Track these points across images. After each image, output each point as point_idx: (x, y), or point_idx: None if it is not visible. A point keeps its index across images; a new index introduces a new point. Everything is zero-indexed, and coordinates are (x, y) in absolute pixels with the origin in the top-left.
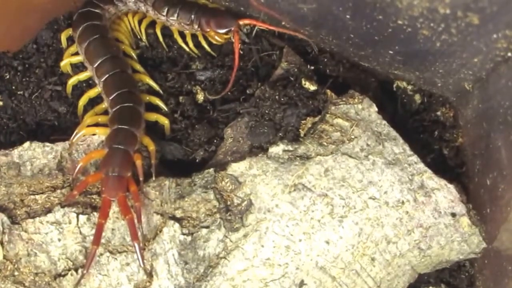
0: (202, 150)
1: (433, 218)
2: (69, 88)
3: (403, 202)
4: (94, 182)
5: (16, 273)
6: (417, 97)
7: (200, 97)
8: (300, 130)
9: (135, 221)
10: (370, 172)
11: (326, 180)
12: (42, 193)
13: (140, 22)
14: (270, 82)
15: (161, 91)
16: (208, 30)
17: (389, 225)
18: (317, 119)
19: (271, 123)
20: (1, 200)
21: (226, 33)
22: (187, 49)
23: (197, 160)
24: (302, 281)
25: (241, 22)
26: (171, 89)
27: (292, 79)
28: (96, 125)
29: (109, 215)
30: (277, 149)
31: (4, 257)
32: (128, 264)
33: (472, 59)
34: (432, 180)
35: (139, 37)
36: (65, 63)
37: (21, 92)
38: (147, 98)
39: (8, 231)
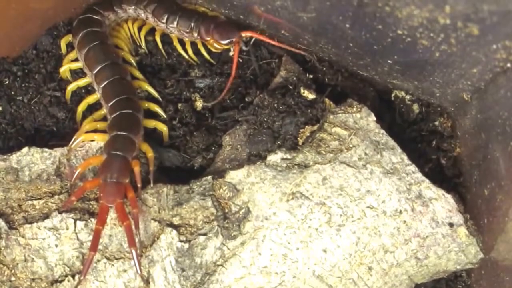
0: (200, 158)
1: (430, 228)
2: (68, 94)
3: (400, 212)
4: (92, 188)
5: (12, 278)
6: (415, 107)
7: (199, 104)
8: (298, 138)
9: (133, 227)
10: (368, 181)
11: (324, 188)
12: (40, 198)
13: (139, 29)
14: (268, 90)
15: (160, 98)
16: (208, 38)
17: (386, 234)
18: (315, 127)
19: (270, 131)
20: None
21: (227, 44)
22: (186, 56)
23: (195, 167)
24: None
25: (243, 34)
26: (170, 96)
27: (290, 87)
28: (95, 131)
29: (107, 222)
30: (275, 157)
31: (1, 262)
32: (125, 270)
33: (471, 69)
34: (429, 190)
35: (138, 44)
36: (65, 69)
37: (20, 98)
38: (146, 105)
39: (5, 236)
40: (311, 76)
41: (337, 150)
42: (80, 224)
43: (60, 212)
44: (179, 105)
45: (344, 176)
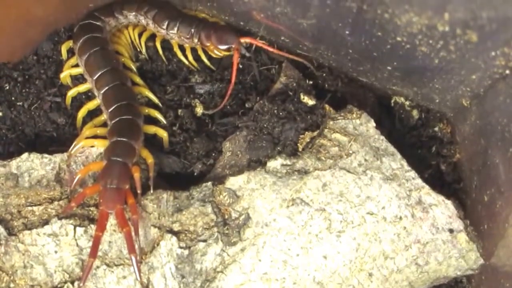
0: (200, 163)
1: (430, 234)
2: (68, 100)
3: (400, 218)
4: (92, 194)
5: (11, 285)
6: (415, 113)
7: (199, 110)
8: (298, 144)
9: (132, 234)
10: (368, 187)
11: (324, 194)
12: (39, 204)
13: (140, 35)
14: (268, 96)
15: (160, 104)
16: (208, 44)
17: (386, 240)
18: (315, 133)
19: (270, 137)
20: None
21: (227, 50)
22: (186, 62)
23: (195, 173)
24: None
25: (242, 40)
26: (170, 102)
27: (290, 93)
28: (95, 137)
29: (106, 228)
30: (275, 163)
31: (0, 268)
32: (124, 277)
33: (470, 76)
34: (429, 196)
35: (139, 50)
36: (65, 74)
37: (21, 103)
38: (146, 110)
39: (5, 242)
40: (311, 82)
41: (337, 156)
42: (79, 230)
43: (59, 218)
44: (179, 111)
45: (344, 182)
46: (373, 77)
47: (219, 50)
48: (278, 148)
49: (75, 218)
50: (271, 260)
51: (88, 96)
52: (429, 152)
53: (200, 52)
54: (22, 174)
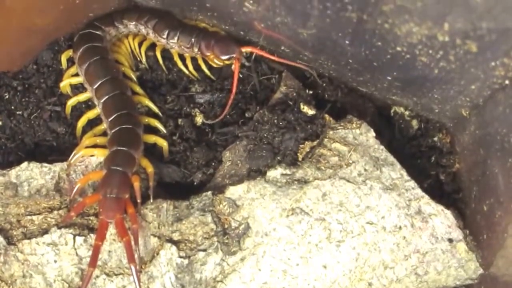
0: (200, 173)
1: (430, 243)
2: (68, 109)
3: (400, 227)
4: (91, 204)
5: None
6: (414, 123)
7: (199, 119)
8: (298, 154)
9: (132, 243)
10: (367, 197)
11: (323, 204)
12: (39, 213)
13: (140, 45)
14: (268, 106)
15: (160, 113)
16: (208, 54)
17: (386, 250)
18: (315, 143)
19: (270, 147)
20: None
21: (227, 59)
22: (186, 72)
23: (195, 183)
24: None
25: (243, 50)
26: (170, 112)
27: (290, 103)
28: (95, 146)
29: (106, 237)
30: (275, 173)
31: None
32: (124, 286)
33: (470, 86)
34: (429, 206)
35: (139, 59)
36: (65, 84)
37: (20, 112)
38: (146, 120)
39: (4, 252)
40: (311, 92)
41: (336, 165)
42: (79, 239)
43: (59, 228)
44: (179, 120)
45: (344, 192)
46: (373, 87)
47: (219, 60)
48: (278, 157)
49: (75, 228)
50: (271, 269)
51: (88, 105)
52: (428, 162)
53: (200, 62)
54: (21, 183)
